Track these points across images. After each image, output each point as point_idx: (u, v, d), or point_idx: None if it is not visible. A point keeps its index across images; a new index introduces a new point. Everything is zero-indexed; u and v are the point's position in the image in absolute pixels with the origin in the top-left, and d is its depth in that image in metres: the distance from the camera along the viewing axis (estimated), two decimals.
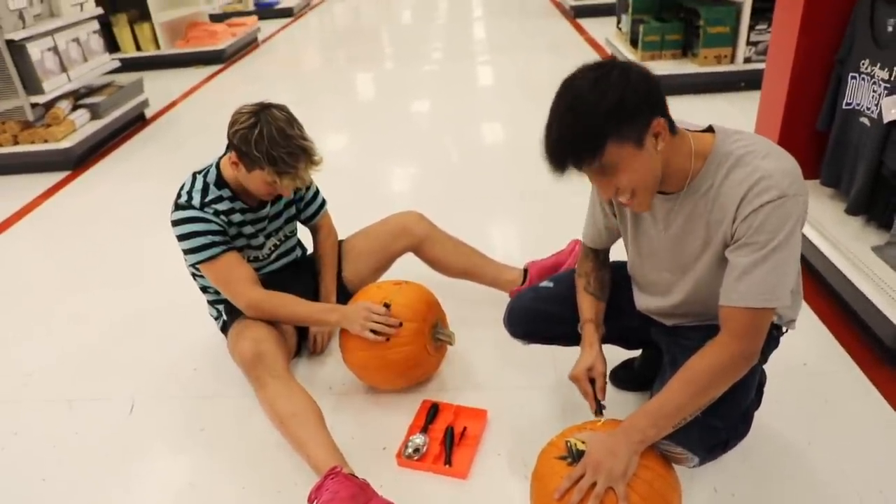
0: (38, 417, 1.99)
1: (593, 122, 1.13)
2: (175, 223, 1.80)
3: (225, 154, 1.84)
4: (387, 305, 1.78)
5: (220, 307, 2.00)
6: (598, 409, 1.46)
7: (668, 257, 1.39)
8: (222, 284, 1.85)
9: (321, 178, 2.18)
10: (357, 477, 1.52)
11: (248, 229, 1.90)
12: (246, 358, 1.77)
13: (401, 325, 1.76)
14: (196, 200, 1.80)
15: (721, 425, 1.28)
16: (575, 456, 1.28)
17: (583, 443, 1.29)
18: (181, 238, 1.80)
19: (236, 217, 1.86)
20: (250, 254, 1.94)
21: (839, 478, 1.55)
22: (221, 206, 1.83)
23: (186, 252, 1.82)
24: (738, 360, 1.24)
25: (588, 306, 1.56)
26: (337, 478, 1.49)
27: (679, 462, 1.32)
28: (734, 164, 1.21)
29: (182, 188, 1.84)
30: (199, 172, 1.86)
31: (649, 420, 1.25)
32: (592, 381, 1.49)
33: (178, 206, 1.80)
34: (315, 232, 2.17)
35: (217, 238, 1.80)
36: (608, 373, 1.57)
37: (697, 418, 1.25)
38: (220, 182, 1.84)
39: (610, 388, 1.83)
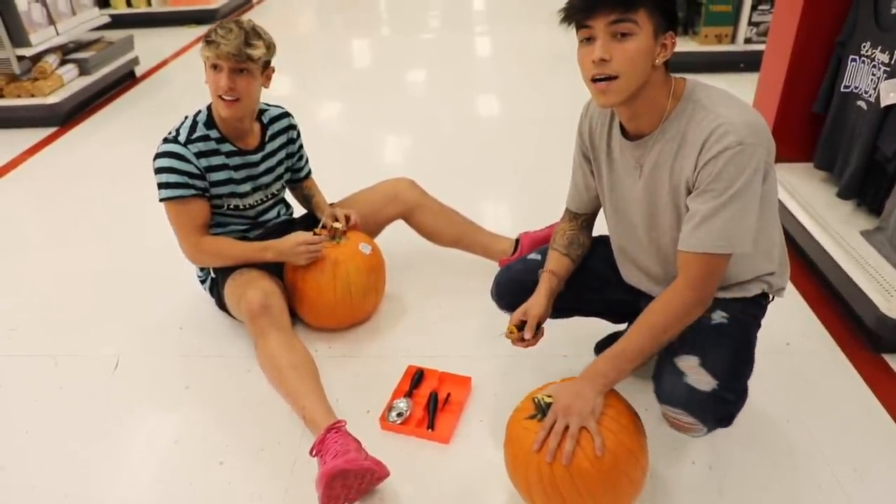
0: (22, 371, 1.98)
1: None
2: (157, 155, 1.83)
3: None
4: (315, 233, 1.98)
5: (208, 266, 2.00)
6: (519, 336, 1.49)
7: (641, 209, 1.40)
8: (178, 226, 1.88)
9: (315, 145, 2.17)
10: (352, 434, 1.54)
11: (234, 174, 1.90)
12: (253, 306, 1.77)
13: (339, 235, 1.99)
14: (182, 137, 1.82)
15: (731, 398, 1.30)
16: (544, 410, 1.31)
17: (549, 396, 1.32)
18: (158, 171, 1.82)
19: (217, 160, 1.86)
20: (231, 202, 1.93)
21: (815, 455, 1.58)
22: (205, 146, 1.84)
23: (159, 186, 1.83)
24: (693, 305, 1.30)
25: (549, 259, 1.58)
26: (340, 432, 1.51)
27: (686, 431, 1.34)
28: (699, 113, 1.24)
29: (173, 127, 1.87)
30: (192, 114, 1.89)
31: (612, 364, 1.31)
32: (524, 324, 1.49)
33: (164, 140, 1.84)
34: (304, 190, 2.20)
35: (191, 181, 1.82)
36: (594, 342, 1.58)
37: (714, 391, 1.27)
38: (210, 123, 1.86)
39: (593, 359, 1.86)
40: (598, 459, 1.23)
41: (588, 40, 1.20)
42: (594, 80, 1.21)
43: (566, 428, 1.25)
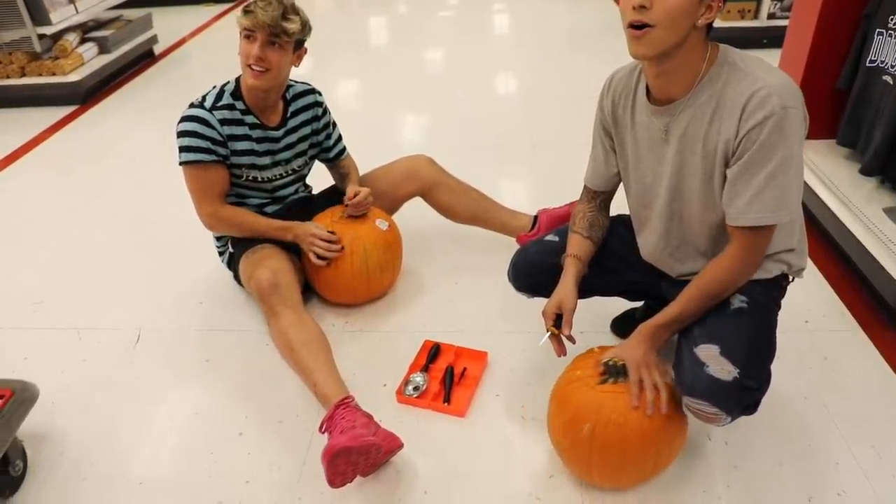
0: (47, 344, 2.03)
1: None
2: (182, 119, 1.85)
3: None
4: (331, 232, 1.92)
5: (227, 240, 2.02)
6: (558, 340, 1.49)
7: (666, 178, 1.37)
8: (195, 191, 1.90)
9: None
10: (362, 408, 1.56)
11: (256, 146, 1.91)
12: (262, 286, 1.79)
13: (342, 249, 1.92)
14: (208, 103, 1.85)
15: (754, 385, 1.28)
16: (621, 370, 1.35)
17: (617, 359, 1.36)
18: (181, 134, 1.84)
19: (240, 130, 1.87)
20: (251, 174, 1.95)
21: (833, 433, 1.57)
22: (229, 114, 1.86)
23: (181, 149, 1.85)
24: (746, 270, 1.33)
25: (571, 243, 1.57)
26: (348, 408, 1.53)
27: (710, 422, 1.31)
28: (735, 75, 1.22)
29: (200, 94, 1.90)
30: (220, 84, 1.91)
31: (667, 328, 1.37)
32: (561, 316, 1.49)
33: (190, 105, 1.87)
34: (340, 169, 2.19)
35: (214, 147, 1.84)
36: (609, 320, 1.57)
37: (735, 380, 1.24)
38: (237, 94, 1.88)
39: (609, 336, 1.86)
40: (678, 406, 1.34)
41: None
42: (631, 26, 1.18)
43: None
